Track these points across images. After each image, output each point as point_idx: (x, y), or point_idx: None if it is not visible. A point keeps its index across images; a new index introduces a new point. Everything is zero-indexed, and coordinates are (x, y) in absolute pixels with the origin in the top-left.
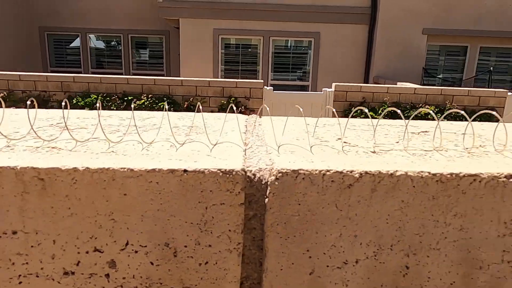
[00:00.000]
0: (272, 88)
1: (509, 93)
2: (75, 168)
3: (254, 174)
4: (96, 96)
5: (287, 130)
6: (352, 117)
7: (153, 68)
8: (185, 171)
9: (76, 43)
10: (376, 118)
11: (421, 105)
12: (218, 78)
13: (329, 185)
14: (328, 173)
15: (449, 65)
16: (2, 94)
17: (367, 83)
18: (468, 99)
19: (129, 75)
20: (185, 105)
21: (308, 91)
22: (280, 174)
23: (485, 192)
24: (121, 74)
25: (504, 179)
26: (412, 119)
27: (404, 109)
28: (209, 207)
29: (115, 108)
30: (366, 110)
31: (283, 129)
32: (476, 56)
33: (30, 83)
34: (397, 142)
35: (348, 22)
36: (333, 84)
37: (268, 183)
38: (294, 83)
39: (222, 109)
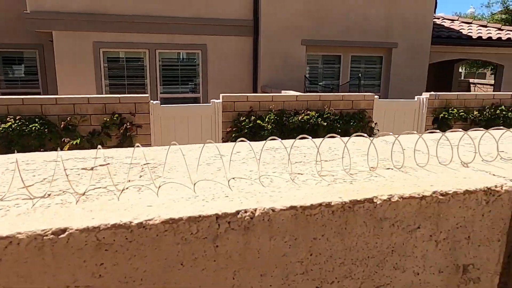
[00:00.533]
0: (159, 102)
1: (376, 96)
2: None
3: None
4: None
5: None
6: (240, 126)
7: (26, 85)
8: None
9: None
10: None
11: (303, 111)
12: (102, 94)
13: None
14: None
15: (328, 73)
16: None
17: (256, 92)
18: (343, 103)
19: None
20: (62, 126)
21: (199, 103)
22: None
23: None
24: None
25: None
26: (296, 125)
27: (289, 115)
28: None
29: None
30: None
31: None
32: (349, 64)
33: None
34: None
35: (233, 34)
36: (221, 95)
37: None
38: (186, 96)
39: (105, 126)
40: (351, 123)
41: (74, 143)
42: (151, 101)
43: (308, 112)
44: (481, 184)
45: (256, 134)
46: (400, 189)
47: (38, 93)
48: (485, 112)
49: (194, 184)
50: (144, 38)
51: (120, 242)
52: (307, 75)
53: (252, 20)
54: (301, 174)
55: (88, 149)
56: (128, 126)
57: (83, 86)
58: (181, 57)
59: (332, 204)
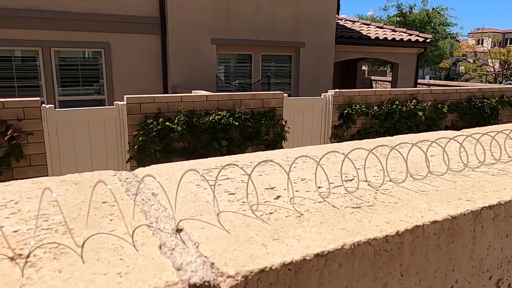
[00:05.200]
0: (53, 106)
1: (285, 94)
2: None
3: None
4: None
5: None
6: (147, 129)
7: None
8: None
9: None
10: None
11: (214, 111)
12: None
13: None
14: None
15: (240, 72)
16: None
17: (167, 92)
18: (254, 102)
19: None
20: None
21: (105, 105)
22: None
23: None
24: None
25: None
26: (208, 126)
27: (199, 116)
28: None
29: None
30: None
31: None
32: (260, 63)
33: None
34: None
35: (139, 32)
36: (125, 97)
37: None
38: (90, 98)
39: None
40: (263, 122)
41: None
42: (44, 105)
43: (219, 112)
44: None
45: (165, 136)
46: None
47: None
48: (383, 107)
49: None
50: (36, 35)
51: None
52: (220, 75)
53: (158, 17)
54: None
55: None
56: (15, 134)
57: None
58: (82, 56)
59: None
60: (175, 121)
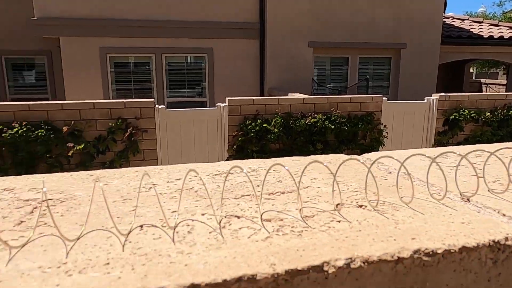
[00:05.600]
0: (164, 106)
1: (384, 98)
2: None
3: None
4: None
5: None
6: (246, 130)
7: (35, 91)
8: None
9: None
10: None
11: (310, 114)
12: (109, 99)
13: None
14: None
15: (335, 75)
16: None
17: (263, 95)
18: (351, 106)
19: (6, 101)
20: (65, 131)
21: (206, 107)
22: None
23: None
24: None
25: None
26: (303, 128)
27: (295, 118)
28: None
29: None
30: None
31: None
32: (357, 65)
33: None
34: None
35: (239, 37)
36: (226, 99)
37: None
38: (193, 100)
39: (111, 131)
40: (359, 126)
41: (79, 148)
42: (157, 106)
43: (315, 115)
44: (485, 234)
45: (262, 137)
46: (366, 246)
47: (47, 99)
48: (497, 113)
49: (78, 239)
50: (150, 42)
51: None
52: (315, 78)
53: (258, 22)
54: (238, 217)
55: (94, 154)
56: (133, 131)
57: (90, 91)
58: (187, 61)
59: (258, 278)
60: (272, 123)
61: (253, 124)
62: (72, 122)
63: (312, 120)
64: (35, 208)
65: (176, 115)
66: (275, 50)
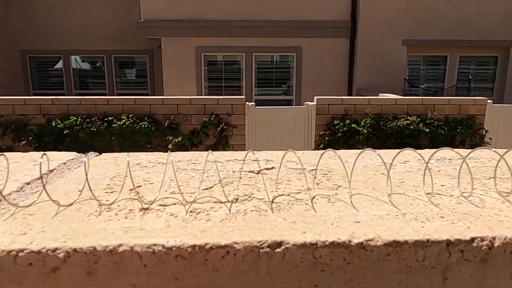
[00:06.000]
0: (254, 103)
1: (489, 101)
2: None
3: None
4: (76, 118)
5: None
6: (334, 130)
7: (137, 87)
8: None
9: (59, 64)
10: (359, 129)
11: (402, 115)
12: (202, 95)
13: None
14: None
15: (431, 75)
16: None
17: (351, 95)
18: (449, 108)
19: (113, 95)
20: (166, 124)
21: (292, 105)
22: None
23: None
24: (105, 94)
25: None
26: (395, 130)
27: (386, 120)
28: None
29: (95, 130)
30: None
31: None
32: (456, 65)
33: (7, 107)
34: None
35: (329, 36)
36: (315, 98)
37: None
38: (279, 98)
39: (204, 126)
40: (458, 130)
41: (177, 141)
42: (247, 103)
43: (408, 117)
44: None
45: (350, 138)
46: None
47: (147, 94)
48: None
49: (390, 196)
50: (242, 42)
51: (337, 263)
52: (407, 77)
53: (349, 21)
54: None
55: (188, 147)
56: (224, 127)
57: (185, 87)
58: (275, 59)
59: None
60: (361, 124)
61: (341, 124)
62: (172, 117)
63: (405, 122)
64: (314, 175)
65: (265, 113)
66: (366, 48)
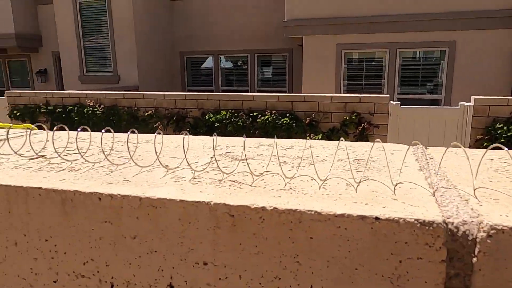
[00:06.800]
0: (399, 103)
1: None
2: (263, 207)
3: (456, 227)
4: (225, 112)
5: (466, 165)
6: (494, 134)
7: (276, 85)
8: (377, 218)
9: (209, 64)
10: None
11: None
12: (340, 93)
13: None
14: None
15: None
16: (150, 112)
17: None
18: None
19: (254, 92)
20: (307, 121)
21: (440, 105)
22: (493, 231)
23: None
24: (247, 91)
25: None
26: None
27: None
28: (403, 260)
29: (241, 124)
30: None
31: (470, 166)
32: None
33: (172, 101)
34: None
35: (490, 28)
36: (472, 98)
37: (477, 240)
38: (423, 97)
39: (344, 124)
40: None
41: (316, 138)
42: (391, 102)
43: None
44: None
45: None
46: None
47: (285, 92)
48: None
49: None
50: (385, 37)
51: None
52: None
53: None
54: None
55: None
56: (365, 126)
57: (323, 85)
58: (422, 55)
59: None
60: None
61: (505, 128)
62: (313, 114)
63: None
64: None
65: (411, 113)
66: None
